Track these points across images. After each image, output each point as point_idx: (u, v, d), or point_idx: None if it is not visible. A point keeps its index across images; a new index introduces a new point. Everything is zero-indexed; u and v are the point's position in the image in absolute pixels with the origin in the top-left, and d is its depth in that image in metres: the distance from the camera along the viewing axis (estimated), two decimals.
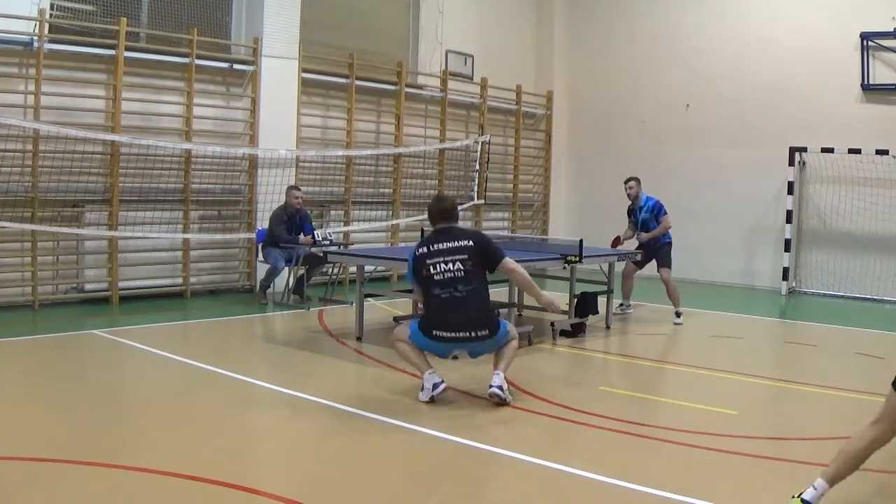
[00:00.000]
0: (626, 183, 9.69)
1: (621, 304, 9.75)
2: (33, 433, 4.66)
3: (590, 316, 8.49)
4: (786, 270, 12.36)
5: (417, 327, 5.63)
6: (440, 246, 5.60)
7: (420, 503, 3.98)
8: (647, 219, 9.51)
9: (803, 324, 10.26)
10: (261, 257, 9.94)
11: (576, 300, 8.43)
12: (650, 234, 9.44)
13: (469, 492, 4.09)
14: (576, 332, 8.21)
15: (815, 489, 3.58)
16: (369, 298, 9.45)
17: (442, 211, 5.79)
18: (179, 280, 10.16)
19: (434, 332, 5.53)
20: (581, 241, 7.94)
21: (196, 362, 6.59)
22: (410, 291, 8.39)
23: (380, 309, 9.55)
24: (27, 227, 8.71)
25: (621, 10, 14.52)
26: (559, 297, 6.09)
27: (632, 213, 9.75)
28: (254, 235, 10.45)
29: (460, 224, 6.04)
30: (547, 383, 6.46)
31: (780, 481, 4.31)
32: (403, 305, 9.21)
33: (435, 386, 5.51)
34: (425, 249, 5.63)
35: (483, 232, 5.78)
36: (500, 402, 5.49)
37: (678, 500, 3.91)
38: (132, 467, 4.10)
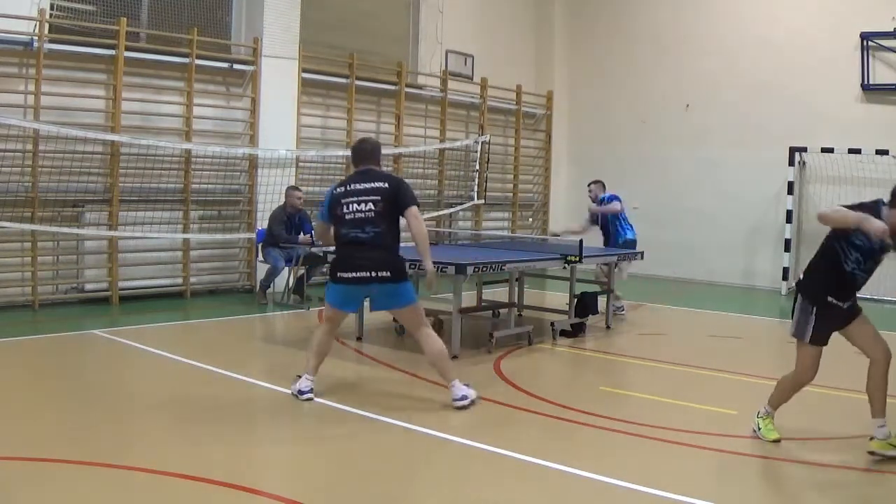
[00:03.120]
0: (588, 186, 10.10)
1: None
2: (33, 433, 4.66)
3: (590, 316, 8.49)
4: (786, 270, 12.35)
5: (330, 281, 5.64)
6: (357, 186, 5.54)
7: (420, 503, 3.98)
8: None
9: None
10: (261, 257, 9.94)
11: (576, 300, 8.43)
12: (600, 207, 9.78)
13: (469, 492, 4.09)
14: (576, 332, 8.22)
15: None
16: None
17: (363, 152, 5.73)
18: (179, 280, 10.15)
19: (339, 275, 5.50)
20: (581, 241, 7.94)
21: (196, 362, 6.58)
22: None
23: None
24: (27, 227, 8.71)
25: (621, 10, 14.52)
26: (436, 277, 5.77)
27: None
28: (254, 235, 10.45)
29: (384, 169, 5.93)
30: (547, 383, 6.47)
31: (780, 481, 4.31)
32: None
33: (301, 392, 5.54)
34: (342, 189, 5.59)
35: (408, 185, 5.71)
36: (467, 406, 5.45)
37: (678, 500, 3.91)
38: (132, 467, 4.10)
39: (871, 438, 4.53)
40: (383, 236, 5.45)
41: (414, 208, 5.51)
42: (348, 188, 5.58)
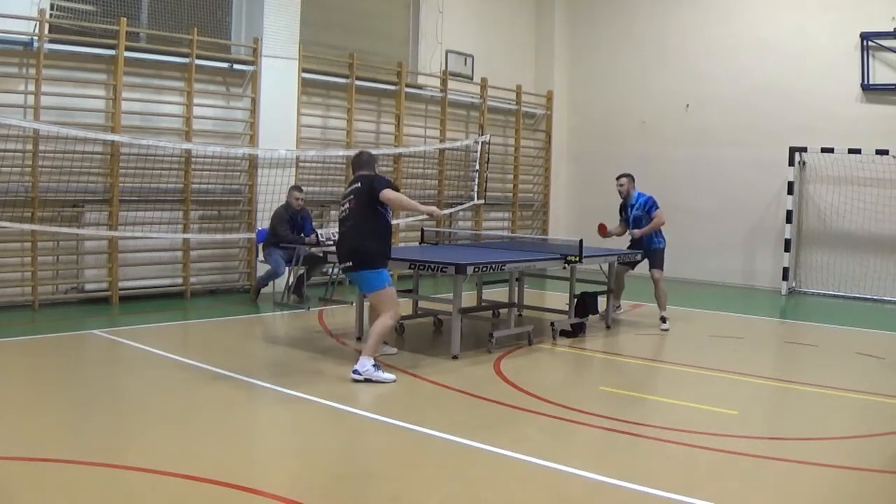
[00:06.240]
0: (617, 180, 9.28)
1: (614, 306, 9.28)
2: (33, 433, 4.66)
3: (590, 316, 8.49)
4: (786, 270, 12.36)
5: None
6: (348, 189, 6.48)
7: (420, 503, 3.98)
8: (638, 216, 9.08)
9: (803, 324, 10.26)
10: (261, 257, 9.94)
11: (576, 300, 8.43)
12: (643, 230, 9.00)
13: (469, 492, 4.09)
14: (576, 332, 8.21)
15: None
16: None
17: (357, 162, 6.55)
18: (179, 280, 10.15)
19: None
20: (581, 241, 7.94)
21: (196, 362, 6.59)
22: (410, 291, 8.44)
23: None
24: (27, 227, 8.71)
25: (621, 10, 14.52)
26: (443, 212, 6.68)
27: (623, 209, 9.32)
28: (254, 235, 10.45)
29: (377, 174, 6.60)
30: (547, 383, 6.47)
31: (780, 481, 4.31)
32: (403, 305, 9.20)
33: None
34: (342, 195, 6.67)
35: (381, 177, 6.50)
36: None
37: (678, 500, 3.91)
38: (132, 467, 4.10)
39: None
40: (354, 228, 6.23)
41: (386, 191, 6.15)
42: (346, 191, 6.53)
